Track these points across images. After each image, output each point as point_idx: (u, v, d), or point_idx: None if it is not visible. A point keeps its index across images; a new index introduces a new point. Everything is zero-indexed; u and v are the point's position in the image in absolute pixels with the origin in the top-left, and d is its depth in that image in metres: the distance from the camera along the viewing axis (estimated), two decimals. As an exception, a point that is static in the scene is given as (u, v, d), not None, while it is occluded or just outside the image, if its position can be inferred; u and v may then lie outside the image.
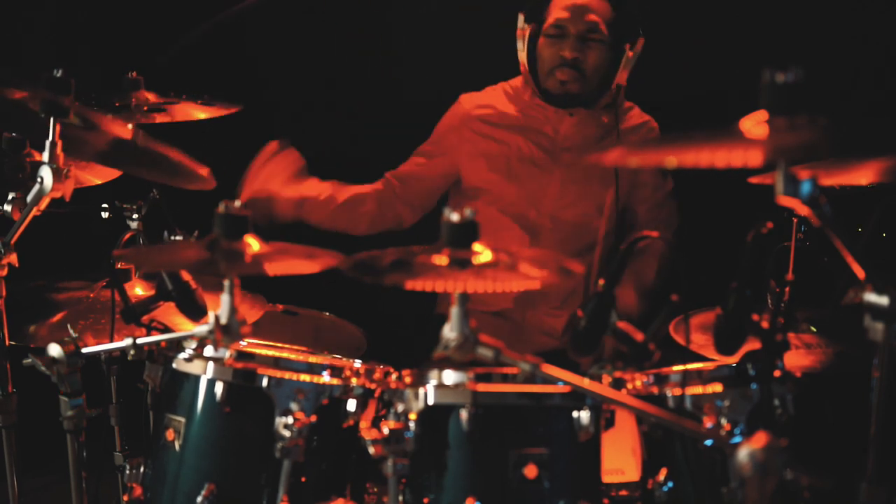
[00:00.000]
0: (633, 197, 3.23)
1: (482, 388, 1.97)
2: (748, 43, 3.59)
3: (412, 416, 1.95)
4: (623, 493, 2.13)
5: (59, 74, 2.25)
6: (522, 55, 3.17)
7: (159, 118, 2.78)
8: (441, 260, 1.82)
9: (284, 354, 2.14)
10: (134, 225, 2.67)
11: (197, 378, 2.09)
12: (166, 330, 2.27)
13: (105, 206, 2.70)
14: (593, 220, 3.17)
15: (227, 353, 2.06)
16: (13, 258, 2.26)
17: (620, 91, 3.20)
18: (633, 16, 3.15)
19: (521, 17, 3.17)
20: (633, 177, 3.20)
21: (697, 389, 2.01)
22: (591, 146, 3.20)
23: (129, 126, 2.29)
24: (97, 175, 2.59)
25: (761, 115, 1.66)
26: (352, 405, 2.09)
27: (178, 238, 2.31)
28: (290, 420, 2.00)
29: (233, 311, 1.88)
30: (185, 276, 2.23)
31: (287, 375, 2.06)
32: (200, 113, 2.84)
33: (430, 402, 1.98)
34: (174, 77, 3.04)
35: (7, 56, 3.76)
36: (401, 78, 4.04)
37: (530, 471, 1.93)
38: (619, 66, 3.12)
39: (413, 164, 3.32)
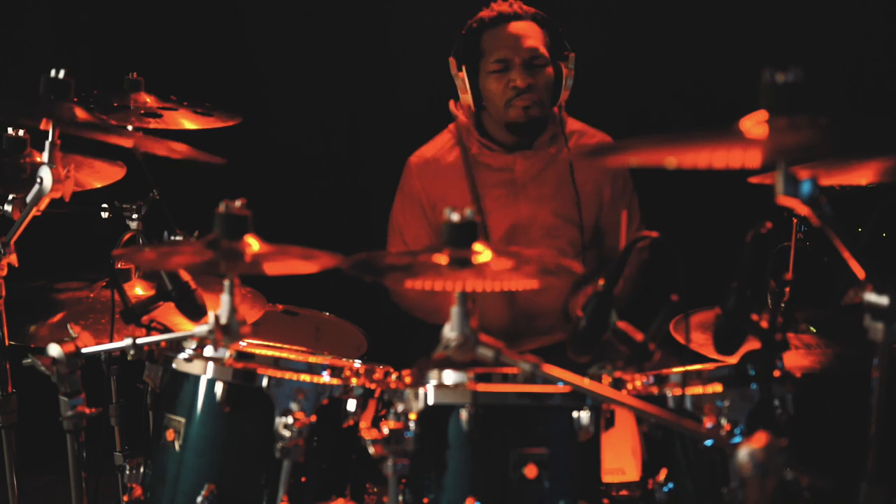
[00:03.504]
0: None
1: (482, 388, 1.97)
2: (748, 43, 3.59)
3: (412, 416, 1.95)
4: (623, 492, 2.12)
5: (59, 75, 2.26)
6: (467, 97, 3.13)
7: (153, 123, 2.77)
8: (441, 260, 1.82)
9: (284, 354, 2.14)
10: (134, 225, 2.67)
11: (197, 378, 2.09)
12: (166, 330, 2.27)
13: (105, 206, 2.70)
14: (565, 249, 3.18)
15: (227, 353, 2.06)
16: (13, 258, 2.26)
17: (561, 112, 3.18)
18: (559, 34, 3.13)
19: (452, 63, 3.13)
20: (598, 192, 3.20)
21: (697, 389, 2.01)
22: (550, 178, 3.18)
23: (132, 137, 2.30)
24: (97, 177, 2.59)
25: (761, 115, 1.66)
26: (352, 405, 2.09)
27: (178, 238, 2.32)
28: (290, 420, 2.00)
29: (233, 311, 1.88)
30: (185, 276, 2.23)
31: (287, 375, 2.07)
32: (192, 124, 2.83)
33: (430, 402, 1.98)
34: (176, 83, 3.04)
35: (7, 56, 3.76)
36: (400, 82, 4.05)
37: (530, 471, 1.93)
38: (560, 87, 3.10)
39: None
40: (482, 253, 1.83)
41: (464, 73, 3.11)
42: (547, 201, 3.18)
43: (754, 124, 1.65)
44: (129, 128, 2.73)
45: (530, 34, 3.08)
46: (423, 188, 3.23)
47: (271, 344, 2.33)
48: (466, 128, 3.20)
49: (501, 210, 3.17)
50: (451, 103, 3.23)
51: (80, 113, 2.24)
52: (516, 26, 3.08)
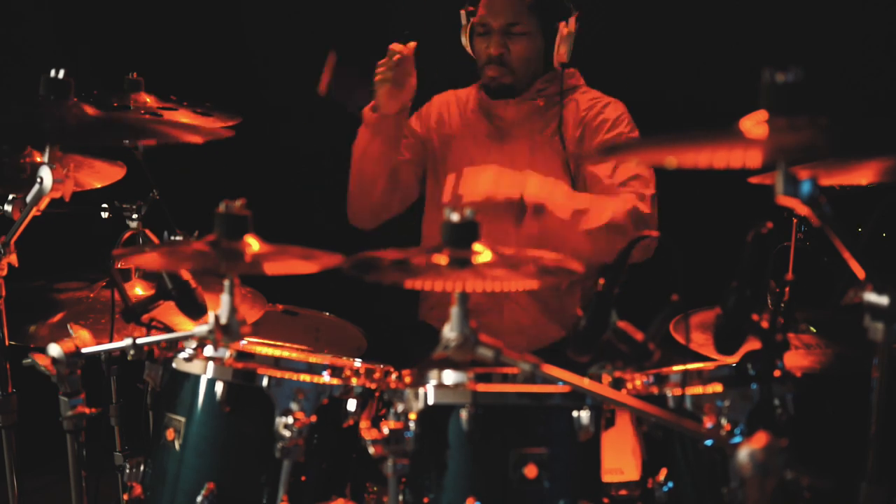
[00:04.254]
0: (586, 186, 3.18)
1: (482, 388, 1.97)
2: (748, 43, 3.59)
3: (412, 416, 1.95)
4: (623, 492, 2.12)
5: (59, 75, 2.26)
6: (469, 50, 3.23)
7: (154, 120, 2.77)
8: (441, 260, 1.82)
9: (284, 354, 2.14)
10: (134, 225, 2.67)
11: (197, 378, 2.09)
12: (166, 330, 2.27)
13: (105, 206, 2.70)
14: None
15: (227, 353, 2.06)
16: (13, 258, 2.26)
17: (563, 71, 3.19)
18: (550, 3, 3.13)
19: (462, 14, 3.21)
20: (577, 166, 3.18)
21: (697, 389, 2.01)
22: (536, 132, 3.20)
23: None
24: (97, 177, 2.59)
25: (761, 114, 1.66)
26: (352, 405, 2.09)
27: (178, 238, 2.32)
28: (290, 420, 2.00)
29: (233, 310, 1.88)
30: (185, 275, 2.23)
31: (287, 375, 2.06)
32: (192, 123, 2.83)
33: (430, 402, 1.98)
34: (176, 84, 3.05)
35: (7, 56, 3.76)
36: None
37: (530, 471, 1.93)
38: (553, 50, 3.12)
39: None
40: (482, 253, 1.83)
41: (467, 27, 3.19)
42: (525, 153, 3.18)
43: (754, 124, 1.65)
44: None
45: (515, 1, 3.10)
46: (434, 119, 3.33)
47: (271, 343, 2.33)
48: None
49: (477, 150, 3.21)
50: None
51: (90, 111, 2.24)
52: None
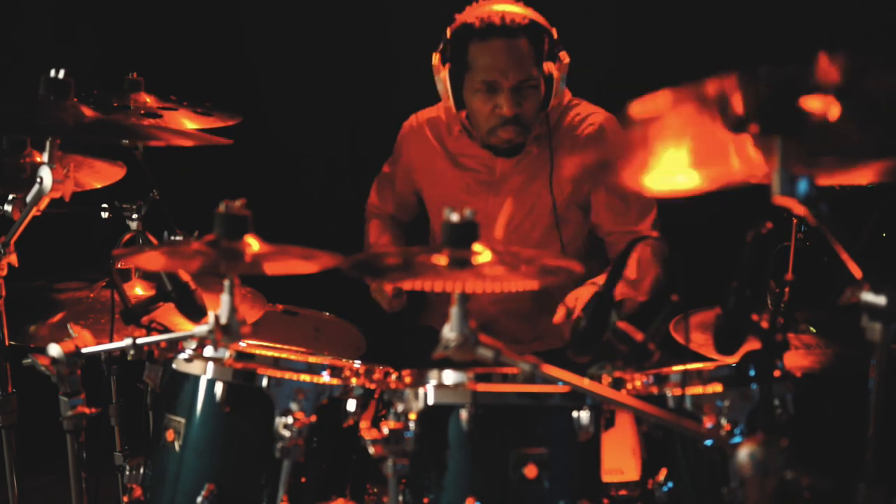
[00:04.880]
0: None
1: (482, 388, 1.97)
2: (748, 43, 3.59)
3: (412, 416, 1.96)
4: (623, 492, 2.13)
5: (59, 75, 2.26)
6: (448, 100, 2.99)
7: (153, 123, 2.77)
8: (441, 260, 1.82)
9: (284, 354, 2.14)
10: (134, 225, 2.67)
11: (197, 378, 2.09)
12: (166, 330, 2.27)
13: (105, 206, 2.70)
14: (547, 241, 3.13)
15: (226, 353, 2.06)
16: (13, 258, 2.26)
17: (548, 116, 3.04)
18: (552, 39, 2.94)
19: (435, 57, 2.99)
20: (576, 189, 3.10)
21: (697, 389, 2.01)
22: (528, 167, 3.09)
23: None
24: (98, 177, 2.59)
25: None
26: (352, 405, 2.09)
27: (178, 238, 2.31)
28: (290, 420, 2.00)
29: (233, 311, 1.88)
30: (185, 276, 2.23)
31: (287, 375, 2.06)
32: (192, 123, 2.83)
33: (430, 402, 1.98)
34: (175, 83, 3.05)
35: (7, 56, 3.76)
36: (400, 81, 4.04)
37: (530, 471, 1.93)
38: (552, 93, 2.97)
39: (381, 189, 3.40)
40: (482, 253, 1.83)
41: (446, 77, 2.97)
42: (520, 197, 3.11)
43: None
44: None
45: (522, 56, 2.88)
46: (406, 150, 3.27)
47: (271, 344, 2.33)
48: (451, 115, 3.11)
49: (473, 199, 3.11)
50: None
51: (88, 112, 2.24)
52: (507, 45, 2.87)
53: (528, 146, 3.07)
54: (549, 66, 2.95)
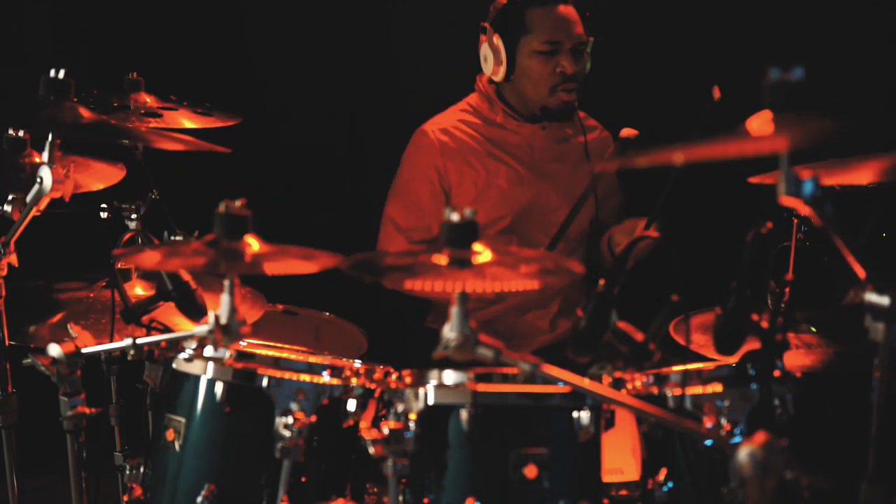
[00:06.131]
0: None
1: (482, 388, 1.97)
2: (749, 43, 3.59)
3: (412, 416, 1.95)
4: (623, 492, 2.12)
5: (59, 75, 2.26)
6: (501, 69, 3.10)
7: (153, 123, 2.77)
8: (441, 260, 1.81)
9: (284, 354, 2.14)
10: (134, 225, 2.67)
11: (197, 378, 2.09)
12: (166, 330, 2.27)
13: (105, 206, 2.70)
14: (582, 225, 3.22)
15: (227, 353, 2.06)
16: (13, 258, 2.26)
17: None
18: (590, 19, 3.14)
19: (488, 29, 3.11)
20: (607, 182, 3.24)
21: (697, 389, 2.01)
22: (567, 155, 3.23)
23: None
24: (98, 178, 2.59)
25: (766, 114, 1.66)
26: (352, 405, 2.09)
27: (178, 238, 2.31)
28: (290, 420, 2.00)
29: (233, 311, 1.88)
30: (185, 276, 2.23)
31: (287, 375, 2.06)
32: (192, 123, 2.84)
33: (430, 402, 1.98)
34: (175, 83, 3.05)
35: (7, 56, 3.76)
36: (400, 81, 4.05)
37: (530, 471, 1.93)
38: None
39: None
40: (482, 253, 1.83)
41: (500, 43, 3.08)
42: (561, 180, 3.21)
43: (761, 124, 1.65)
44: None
45: (577, 19, 3.09)
46: (442, 164, 3.18)
47: (271, 344, 2.33)
48: (491, 98, 3.21)
49: (513, 188, 3.17)
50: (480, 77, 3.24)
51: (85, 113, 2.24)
52: (566, 9, 3.09)
53: (562, 122, 3.21)
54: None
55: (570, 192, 3.19)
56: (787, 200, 1.61)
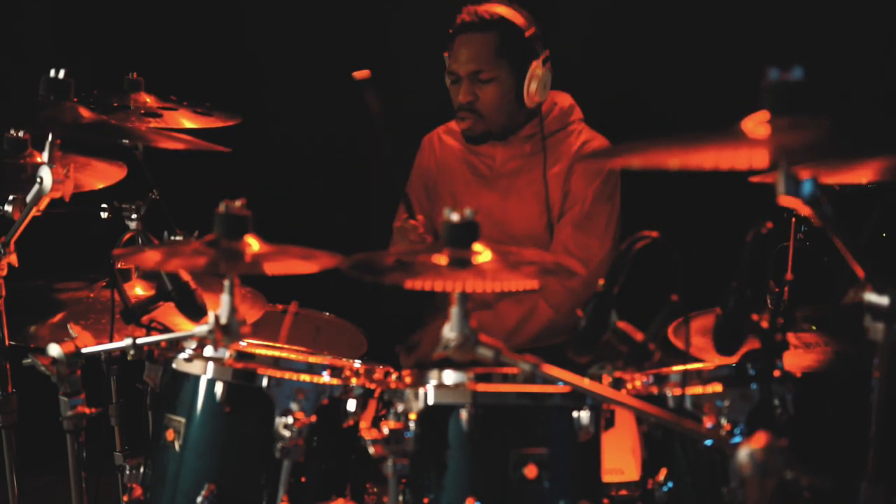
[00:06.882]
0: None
1: (482, 388, 1.97)
2: (749, 43, 3.59)
3: (412, 416, 1.95)
4: (623, 492, 2.13)
5: (59, 75, 2.26)
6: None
7: (153, 123, 2.77)
8: (441, 260, 1.82)
9: (284, 354, 2.14)
10: (134, 225, 2.67)
11: (197, 378, 2.09)
12: (166, 330, 2.27)
13: (104, 206, 2.70)
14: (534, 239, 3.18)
15: (227, 353, 2.06)
16: (13, 258, 2.26)
17: (539, 110, 3.17)
18: (528, 37, 3.09)
19: (446, 57, 3.18)
20: (564, 192, 3.18)
21: (697, 389, 2.01)
22: (523, 172, 3.20)
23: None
24: (98, 178, 2.59)
25: (763, 115, 1.66)
26: (352, 405, 2.09)
27: (178, 238, 2.31)
28: (290, 420, 2.00)
29: (233, 311, 1.88)
30: (185, 276, 2.23)
31: (287, 375, 2.06)
32: (192, 123, 2.84)
33: (430, 402, 1.98)
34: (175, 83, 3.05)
35: (7, 56, 3.76)
36: (400, 81, 4.04)
37: (530, 471, 1.93)
38: (523, 91, 3.09)
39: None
40: (482, 253, 1.83)
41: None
42: (512, 196, 3.20)
43: (756, 125, 1.65)
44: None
45: (481, 49, 3.07)
46: (427, 164, 3.34)
47: (271, 344, 2.33)
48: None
49: (471, 198, 3.21)
50: None
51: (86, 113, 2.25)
52: (469, 39, 3.08)
53: (521, 140, 3.19)
54: (523, 65, 3.08)
55: (517, 204, 3.18)
56: (786, 200, 1.61)
